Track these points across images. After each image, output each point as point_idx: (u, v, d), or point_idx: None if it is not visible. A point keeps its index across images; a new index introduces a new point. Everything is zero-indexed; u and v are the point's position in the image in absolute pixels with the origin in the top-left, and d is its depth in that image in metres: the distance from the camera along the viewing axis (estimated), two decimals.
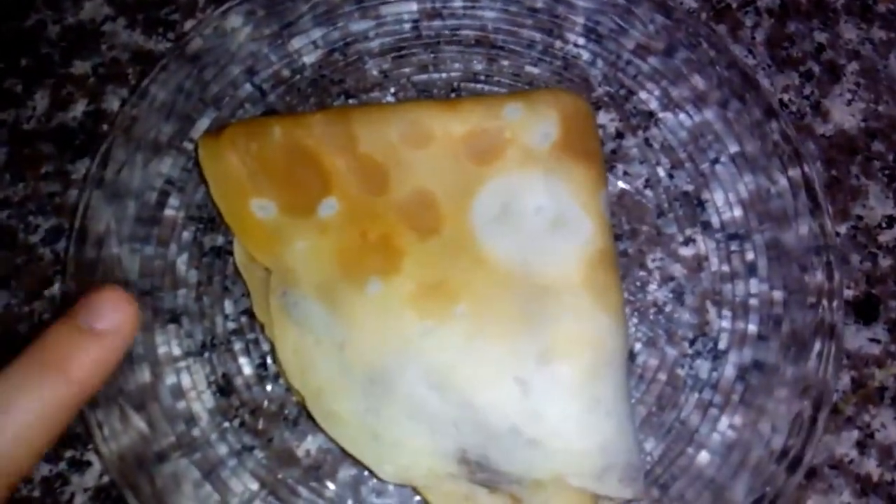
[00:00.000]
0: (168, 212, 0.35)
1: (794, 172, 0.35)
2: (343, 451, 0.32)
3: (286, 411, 0.33)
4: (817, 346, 0.33)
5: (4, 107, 0.38)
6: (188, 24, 0.40)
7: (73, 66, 0.39)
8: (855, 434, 0.34)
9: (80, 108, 0.38)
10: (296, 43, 0.38)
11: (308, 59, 0.38)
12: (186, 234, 0.35)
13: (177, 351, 0.34)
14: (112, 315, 0.20)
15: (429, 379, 0.30)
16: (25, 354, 0.19)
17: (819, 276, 0.34)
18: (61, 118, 0.38)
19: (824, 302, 0.33)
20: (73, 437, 0.33)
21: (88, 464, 0.33)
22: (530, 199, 0.32)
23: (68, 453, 0.33)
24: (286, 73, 0.38)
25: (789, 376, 0.33)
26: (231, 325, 0.34)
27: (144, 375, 0.33)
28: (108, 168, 0.35)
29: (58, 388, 0.19)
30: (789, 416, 0.32)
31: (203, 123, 0.37)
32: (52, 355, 0.19)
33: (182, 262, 0.35)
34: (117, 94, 0.39)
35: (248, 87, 0.38)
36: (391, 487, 0.32)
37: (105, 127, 0.38)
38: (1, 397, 0.18)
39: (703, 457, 0.32)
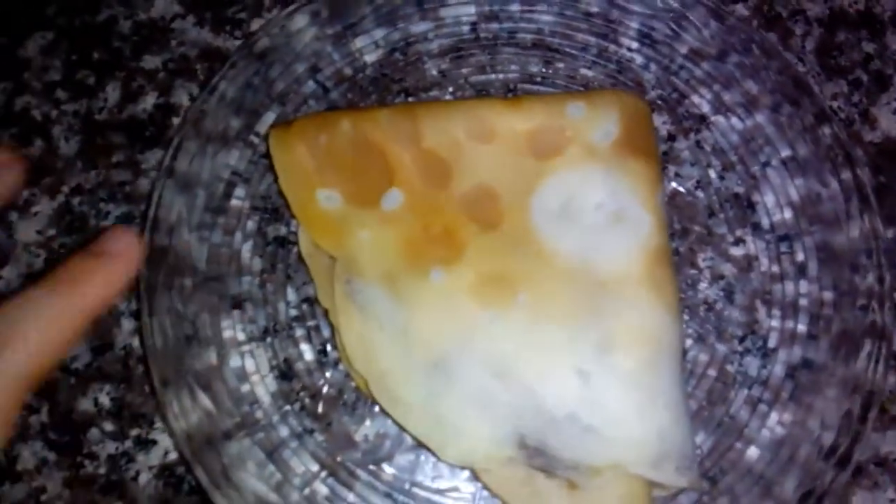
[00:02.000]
0: (234, 202, 0.37)
1: (846, 175, 0.36)
2: (400, 435, 0.33)
3: (345, 396, 0.34)
4: (867, 346, 0.33)
5: (77, 97, 0.40)
6: (255, 24, 0.41)
7: (144, 60, 0.41)
8: None
9: (150, 100, 0.40)
10: (358, 42, 0.40)
11: (369, 58, 0.40)
12: (251, 224, 0.37)
13: (241, 335, 0.35)
14: (118, 242, 0.23)
15: (490, 366, 0.31)
16: (42, 278, 0.21)
17: (870, 279, 0.34)
18: (132, 110, 0.40)
19: (874, 304, 0.34)
20: (139, 417, 0.35)
21: (154, 442, 0.34)
22: (591, 195, 0.33)
23: (134, 432, 0.34)
24: (348, 71, 0.39)
25: (839, 376, 0.33)
26: (293, 312, 0.35)
27: (211, 357, 0.34)
28: (179, 159, 0.36)
29: (71, 299, 0.21)
30: (838, 415, 0.33)
31: (269, 118, 0.38)
32: (65, 275, 0.21)
33: (247, 251, 0.36)
34: (186, 88, 0.40)
35: (311, 84, 0.39)
36: (446, 471, 0.33)
37: (174, 120, 0.40)
38: (22, 309, 0.21)
39: (753, 452, 0.33)
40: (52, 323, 0.21)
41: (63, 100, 0.40)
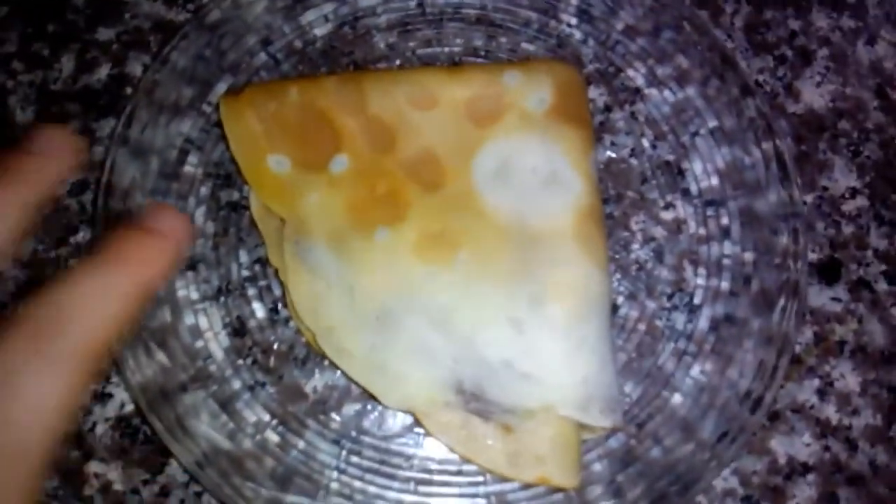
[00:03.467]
0: (187, 168, 0.38)
1: (767, 146, 0.39)
2: (347, 387, 0.35)
3: (295, 351, 0.36)
4: (782, 302, 0.36)
5: (32, 68, 0.41)
6: None
7: (98, 32, 0.42)
8: (816, 382, 0.37)
9: (104, 71, 0.41)
10: (308, 16, 0.41)
11: (319, 31, 0.41)
12: (204, 190, 0.38)
13: (195, 295, 0.36)
14: (169, 221, 0.22)
15: (430, 318, 0.33)
16: (89, 256, 0.21)
17: (786, 240, 0.37)
18: (86, 80, 0.41)
19: (790, 263, 0.37)
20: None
21: (110, 396, 0.36)
22: (526, 159, 0.35)
23: (91, 386, 0.36)
24: (299, 44, 0.41)
25: (756, 328, 0.36)
26: (245, 273, 0.37)
27: (165, 316, 0.35)
28: (132, 128, 0.37)
29: (120, 278, 0.20)
30: (754, 364, 0.35)
31: (221, 88, 0.39)
32: (114, 252, 0.20)
33: (200, 215, 0.38)
34: (139, 59, 0.41)
35: (263, 55, 0.40)
36: (391, 420, 0.35)
37: (128, 90, 0.41)
38: (69, 289, 0.20)
39: (677, 398, 0.35)
40: (104, 302, 0.20)
41: (19, 70, 0.40)
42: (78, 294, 0.20)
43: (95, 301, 0.20)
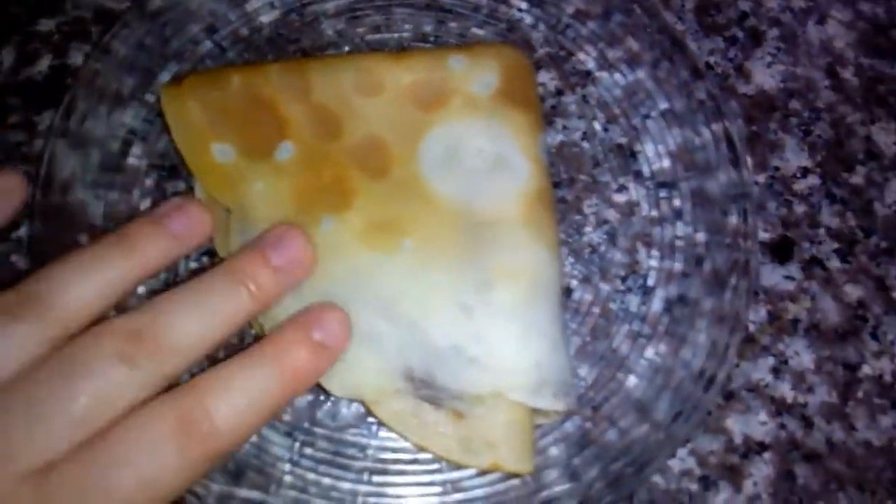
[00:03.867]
0: (131, 160, 0.37)
1: (717, 127, 0.39)
2: None
3: (245, 343, 0.35)
4: (733, 281, 0.36)
5: None
6: None
7: (39, 23, 0.41)
8: (770, 361, 0.37)
9: (45, 62, 0.40)
10: (254, 3, 0.40)
11: (266, 18, 0.40)
12: (149, 181, 0.37)
13: (141, 289, 0.35)
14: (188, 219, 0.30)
15: (377, 306, 0.32)
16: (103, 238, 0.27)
17: (736, 220, 0.37)
18: (28, 72, 0.40)
19: (740, 242, 0.37)
20: None
21: None
22: (473, 143, 0.34)
23: None
24: (245, 31, 0.40)
25: (708, 308, 0.36)
26: (192, 265, 0.36)
27: (110, 313, 0.34)
28: (71, 118, 0.36)
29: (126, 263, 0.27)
30: (707, 343, 0.35)
31: (164, 77, 0.38)
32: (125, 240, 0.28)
33: (145, 207, 0.37)
34: (81, 49, 0.40)
35: (208, 44, 0.40)
36: (344, 410, 0.34)
37: (70, 81, 0.40)
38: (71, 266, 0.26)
39: (631, 380, 0.35)
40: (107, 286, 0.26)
41: None
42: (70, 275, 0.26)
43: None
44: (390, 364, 0.32)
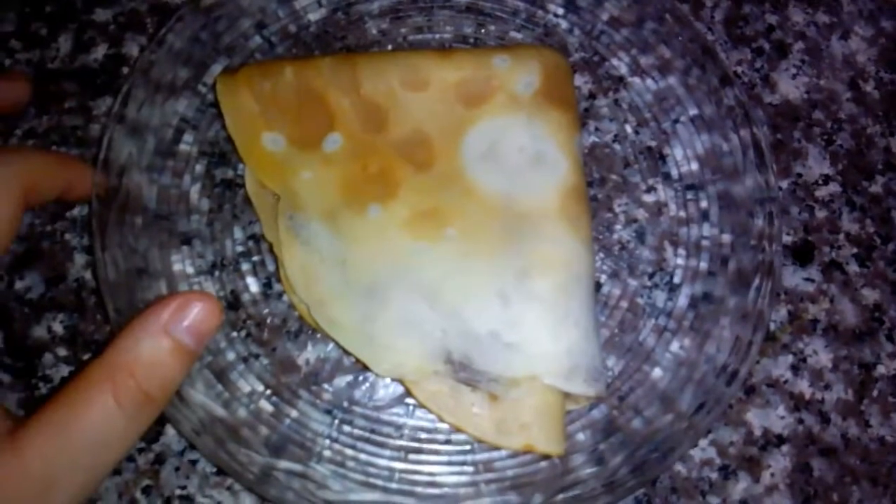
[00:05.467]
0: (183, 146, 0.39)
1: (745, 133, 0.40)
2: (339, 360, 0.36)
3: (288, 325, 0.37)
4: (756, 281, 0.37)
5: (30, 47, 0.41)
6: None
7: (95, 13, 0.42)
8: (790, 359, 0.39)
9: (101, 51, 0.42)
10: (302, 1, 0.42)
11: (313, 16, 0.42)
12: (199, 167, 0.39)
13: (190, 269, 0.37)
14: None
15: (419, 291, 0.34)
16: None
17: (761, 223, 0.38)
18: (84, 60, 0.41)
19: (765, 244, 0.38)
20: (92, 343, 0.37)
21: None
22: (514, 139, 0.36)
23: (87, 356, 0.36)
24: (293, 28, 0.42)
25: (732, 306, 0.37)
26: (239, 248, 0.38)
27: (161, 289, 0.36)
28: (129, 106, 0.38)
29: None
30: (731, 340, 0.37)
31: (216, 70, 0.40)
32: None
33: (195, 192, 0.38)
34: (136, 40, 0.42)
35: (257, 38, 0.41)
36: (381, 391, 0.36)
37: (125, 70, 0.41)
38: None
39: (657, 373, 0.37)
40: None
41: (17, 49, 0.41)
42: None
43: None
44: (430, 347, 0.33)
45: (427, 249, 0.34)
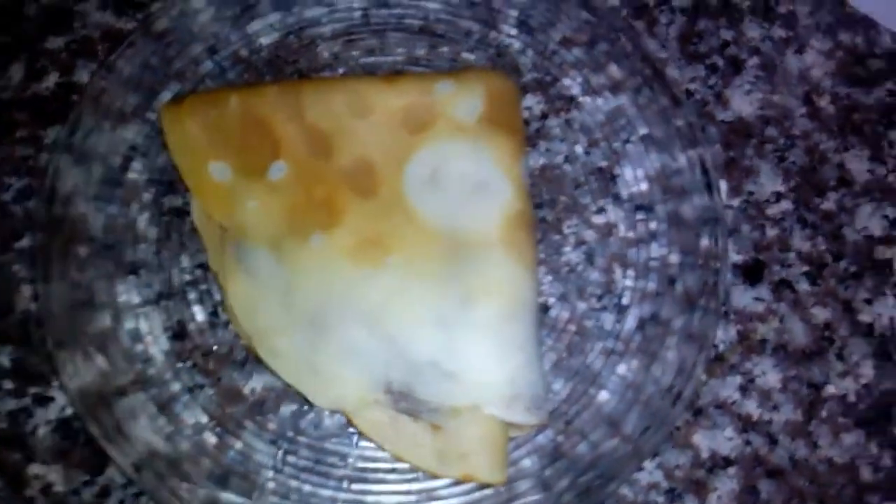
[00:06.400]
0: (131, 175, 0.39)
1: (693, 153, 0.40)
2: (284, 388, 0.36)
3: (234, 354, 0.37)
4: (702, 301, 0.38)
5: None
6: (155, 6, 0.43)
7: (48, 41, 0.42)
8: (738, 379, 0.39)
9: (52, 79, 0.42)
10: (254, 25, 0.42)
11: (265, 40, 0.42)
12: (147, 195, 0.39)
13: (136, 299, 0.37)
14: None
15: (361, 320, 0.34)
16: None
17: (708, 242, 0.39)
18: (35, 88, 0.41)
19: (711, 264, 0.38)
20: (38, 376, 0.37)
21: (51, 399, 0.36)
22: (457, 165, 0.36)
23: (33, 389, 0.37)
24: (244, 52, 0.42)
25: (678, 327, 0.37)
26: (186, 277, 0.38)
27: (105, 320, 0.36)
28: (76, 134, 0.38)
29: None
30: (677, 361, 0.37)
31: (166, 96, 0.40)
32: None
33: (143, 220, 0.38)
34: (88, 67, 0.42)
35: (209, 63, 0.41)
36: (327, 421, 0.36)
37: (76, 97, 0.41)
38: None
39: (603, 395, 0.37)
40: None
41: None
42: None
43: None
44: (371, 376, 0.34)
45: (369, 277, 0.35)
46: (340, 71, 0.42)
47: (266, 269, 0.35)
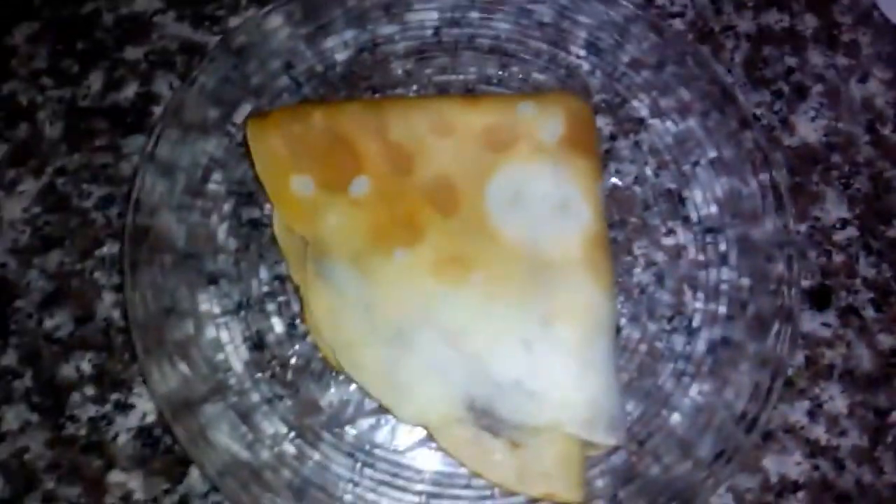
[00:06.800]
0: (212, 186, 0.40)
1: (764, 177, 0.40)
2: (361, 402, 0.37)
3: (312, 366, 0.37)
4: (776, 326, 0.38)
5: (62, 85, 0.42)
6: (232, 20, 0.44)
7: (126, 51, 0.43)
8: (806, 404, 0.39)
9: (131, 89, 0.42)
10: (329, 42, 0.43)
11: (340, 56, 0.43)
12: (227, 207, 0.40)
13: (216, 309, 0.38)
14: None
15: (444, 337, 0.34)
16: None
17: (780, 267, 0.39)
18: (114, 98, 0.42)
19: (784, 289, 0.38)
20: (119, 383, 0.37)
21: (132, 406, 0.37)
22: (538, 186, 0.37)
23: (114, 396, 0.37)
24: (319, 68, 0.43)
25: (751, 352, 0.38)
26: (265, 289, 0.38)
27: (188, 329, 0.37)
28: (160, 146, 0.38)
29: None
30: (750, 386, 0.37)
31: (244, 110, 0.41)
32: None
33: (223, 231, 0.39)
34: (166, 79, 0.43)
35: (285, 79, 0.42)
36: (403, 435, 0.36)
37: (154, 108, 0.42)
38: None
39: (675, 418, 0.37)
40: None
41: (48, 86, 0.42)
42: None
43: None
44: (454, 393, 0.34)
45: (452, 294, 0.35)
46: (413, 88, 0.43)
47: (348, 283, 0.36)
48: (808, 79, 0.46)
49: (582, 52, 0.44)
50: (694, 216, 0.41)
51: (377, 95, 0.42)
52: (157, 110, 0.42)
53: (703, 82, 0.42)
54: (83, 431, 0.36)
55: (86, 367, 0.37)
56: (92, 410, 0.37)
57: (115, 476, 0.36)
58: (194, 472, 0.36)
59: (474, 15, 0.44)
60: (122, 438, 0.36)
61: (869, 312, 0.41)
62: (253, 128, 0.38)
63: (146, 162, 0.38)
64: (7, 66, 0.42)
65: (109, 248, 0.39)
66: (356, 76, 0.43)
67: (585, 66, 0.44)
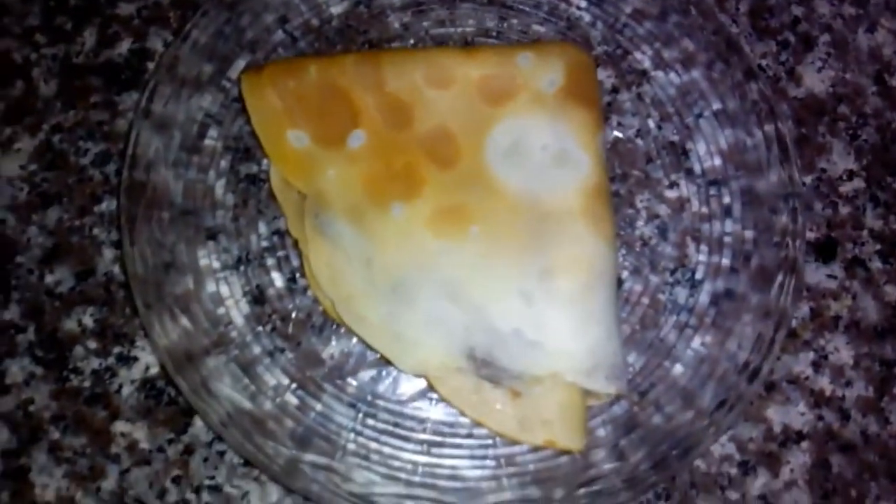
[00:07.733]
0: (208, 142, 0.39)
1: (769, 128, 0.40)
2: (362, 354, 0.37)
3: (313, 319, 0.37)
4: (779, 278, 0.37)
5: (55, 42, 0.42)
6: None
7: (119, 7, 0.43)
8: (811, 355, 0.39)
9: (125, 45, 0.42)
10: None
11: (335, 9, 0.42)
12: (224, 163, 0.39)
13: (216, 264, 0.38)
14: None
15: (444, 289, 0.34)
16: None
17: (785, 219, 0.38)
18: (108, 54, 0.42)
19: (788, 241, 0.38)
20: (121, 336, 0.37)
21: (135, 359, 0.37)
22: (537, 137, 0.36)
23: (116, 349, 0.37)
24: (315, 22, 0.42)
25: (754, 303, 0.37)
26: (264, 244, 0.38)
27: (188, 283, 0.37)
28: (154, 101, 0.38)
29: None
30: (752, 337, 0.37)
31: (239, 65, 0.40)
32: None
33: (220, 187, 0.39)
34: (159, 35, 0.42)
35: (280, 33, 0.41)
36: (405, 385, 0.36)
37: (148, 64, 0.42)
38: None
39: (678, 369, 0.37)
40: None
41: (42, 43, 0.41)
42: None
43: None
44: (454, 344, 0.34)
45: (451, 247, 0.35)
46: (410, 41, 0.42)
47: (347, 237, 0.35)
48: (815, 28, 0.45)
49: (583, 3, 0.43)
50: (697, 168, 0.41)
51: (374, 49, 0.42)
52: (152, 66, 0.41)
53: (707, 32, 0.42)
54: (87, 384, 0.37)
55: (88, 321, 0.37)
56: (95, 363, 0.37)
57: (119, 426, 0.36)
58: (198, 423, 0.36)
59: None
60: (126, 390, 0.37)
61: (875, 264, 0.41)
62: (247, 82, 0.37)
63: (140, 118, 0.37)
64: (0, 23, 0.41)
65: (108, 205, 0.39)
66: (352, 30, 0.42)
67: (586, 18, 0.43)
